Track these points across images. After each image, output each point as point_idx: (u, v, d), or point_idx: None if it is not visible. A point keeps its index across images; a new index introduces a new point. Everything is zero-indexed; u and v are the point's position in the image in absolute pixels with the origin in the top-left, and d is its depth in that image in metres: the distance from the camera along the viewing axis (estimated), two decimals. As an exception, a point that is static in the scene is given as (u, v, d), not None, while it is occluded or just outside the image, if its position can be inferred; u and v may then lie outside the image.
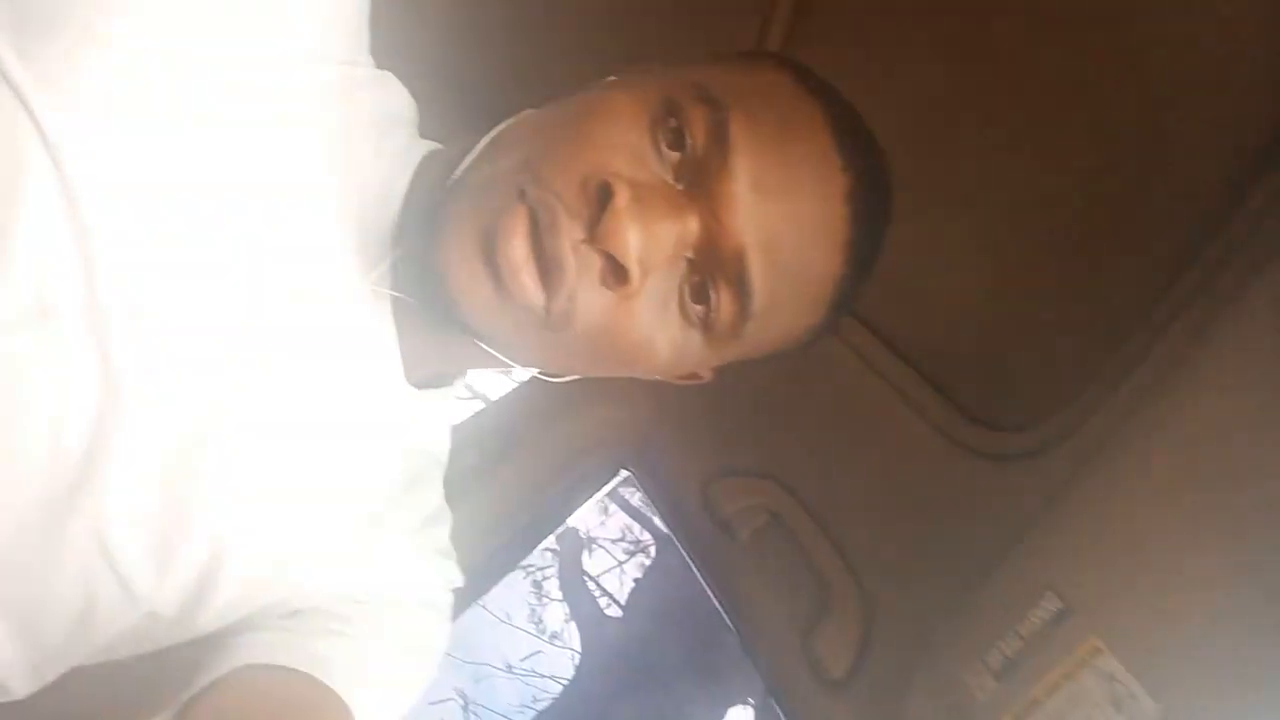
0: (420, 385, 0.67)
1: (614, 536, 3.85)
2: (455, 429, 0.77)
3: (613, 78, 0.65)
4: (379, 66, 0.68)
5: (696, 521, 1.21)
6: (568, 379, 0.67)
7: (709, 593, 1.22)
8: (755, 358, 0.65)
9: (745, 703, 3.07)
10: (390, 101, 0.68)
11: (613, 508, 3.64)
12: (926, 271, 1.02)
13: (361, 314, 0.62)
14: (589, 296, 0.55)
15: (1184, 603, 0.75)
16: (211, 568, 0.58)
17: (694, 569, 1.24)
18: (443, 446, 0.76)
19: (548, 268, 0.53)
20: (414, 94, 0.71)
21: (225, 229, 0.55)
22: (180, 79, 0.53)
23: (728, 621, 1.21)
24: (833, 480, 1.11)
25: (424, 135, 0.71)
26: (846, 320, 1.07)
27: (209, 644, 0.63)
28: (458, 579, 0.75)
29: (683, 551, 1.25)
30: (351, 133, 0.62)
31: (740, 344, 0.60)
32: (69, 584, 0.54)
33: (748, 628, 1.17)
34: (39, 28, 0.50)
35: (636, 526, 3.72)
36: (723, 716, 3.25)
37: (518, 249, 0.53)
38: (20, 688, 0.56)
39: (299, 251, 0.59)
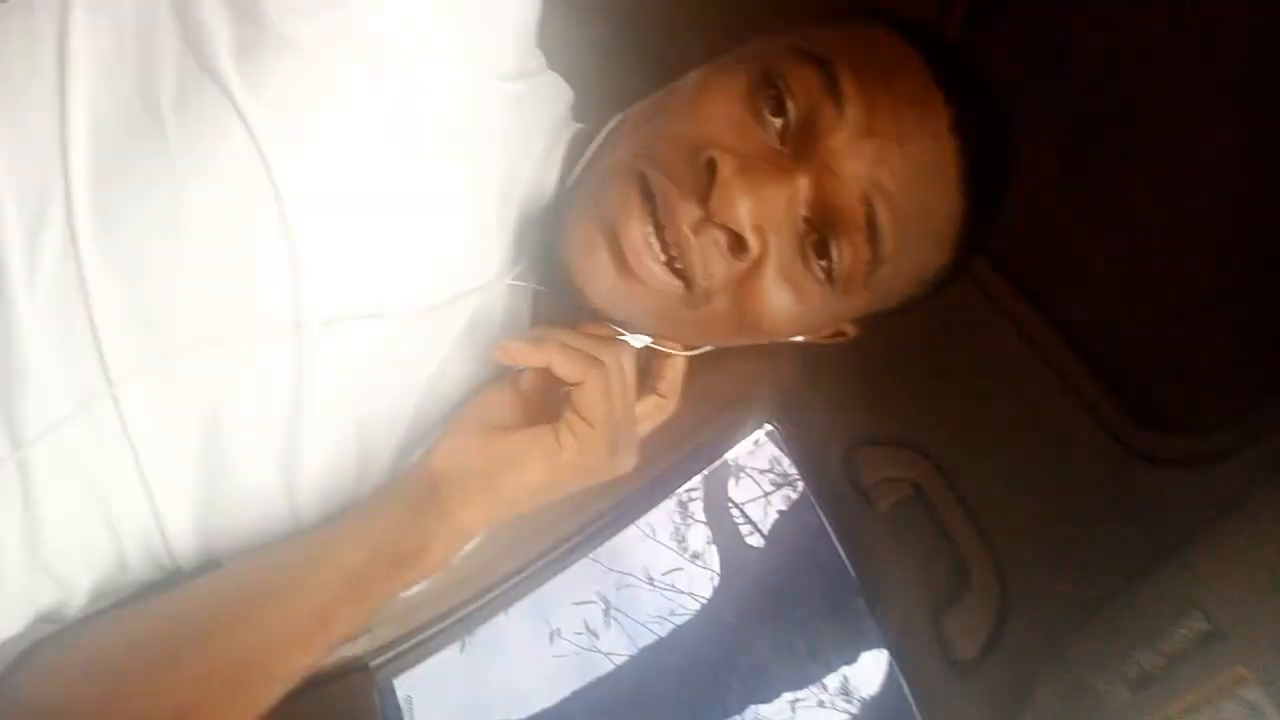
0: None
1: (762, 467, 3.86)
2: None
3: (722, 59, 0.66)
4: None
5: (836, 484, 1.20)
6: (699, 351, 0.69)
7: (842, 555, 1.22)
8: (891, 306, 0.66)
9: (880, 648, 3.06)
10: (556, 103, 0.72)
11: (763, 439, 3.65)
12: (1105, 255, 0.97)
13: (503, 303, 0.68)
14: (723, 270, 0.58)
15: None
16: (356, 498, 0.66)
17: (829, 530, 1.24)
18: None
19: (672, 253, 0.57)
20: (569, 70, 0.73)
21: (400, 230, 0.61)
22: (376, 99, 0.58)
23: (858, 584, 1.21)
24: (981, 461, 1.07)
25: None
26: (1012, 297, 1.02)
27: None
28: None
29: (819, 511, 1.25)
30: (522, 138, 0.67)
31: (872, 293, 0.62)
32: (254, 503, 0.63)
33: (878, 595, 1.17)
34: (254, 52, 0.56)
35: (785, 460, 3.71)
36: (857, 658, 3.26)
37: (637, 236, 0.57)
38: (186, 563, 0.64)
39: (458, 251, 0.65)
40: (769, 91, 0.58)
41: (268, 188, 0.55)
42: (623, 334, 0.65)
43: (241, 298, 0.57)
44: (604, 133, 0.66)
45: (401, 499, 0.60)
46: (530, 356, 0.59)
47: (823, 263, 0.59)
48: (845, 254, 0.58)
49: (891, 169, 0.57)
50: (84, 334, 0.55)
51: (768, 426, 1.37)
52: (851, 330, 0.70)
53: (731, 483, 3.86)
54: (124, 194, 0.55)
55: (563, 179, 0.68)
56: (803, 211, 0.58)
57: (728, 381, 1.26)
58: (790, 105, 0.58)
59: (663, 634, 3.87)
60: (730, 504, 3.83)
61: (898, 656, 1.14)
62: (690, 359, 0.70)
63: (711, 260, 0.57)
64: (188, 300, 0.56)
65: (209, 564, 0.64)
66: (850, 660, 3.33)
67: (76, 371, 0.55)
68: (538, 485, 0.60)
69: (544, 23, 0.67)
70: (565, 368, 0.58)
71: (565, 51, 0.73)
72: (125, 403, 0.56)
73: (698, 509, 4.01)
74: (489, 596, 1.20)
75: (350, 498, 0.65)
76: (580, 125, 0.71)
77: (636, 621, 4.14)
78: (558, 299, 0.66)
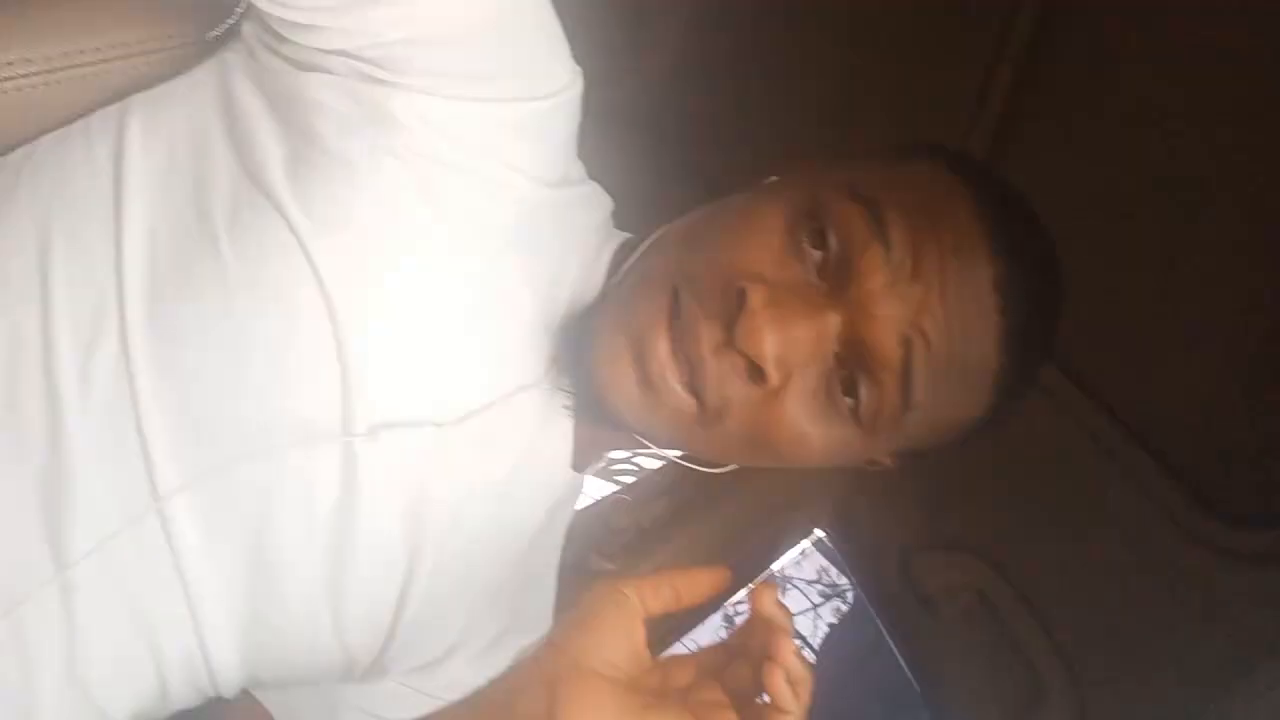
0: (577, 468, 0.72)
1: (810, 578, 3.75)
2: (650, 474, 0.80)
3: (773, 178, 0.67)
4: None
5: (895, 593, 1.15)
6: (724, 469, 0.68)
7: (903, 667, 1.16)
8: (924, 447, 0.65)
9: (942, 768, 2.91)
10: (599, 209, 0.73)
11: (809, 549, 3.55)
12: (1174, 346, 0.93)
13: (543, 402, 0.67)
14: (740, 393, 0.57)
15: None
16: (398, 617, 0.65)
17: (889, 641, 1.18)
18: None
19: (691, 369, 0.57)
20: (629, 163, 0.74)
21: (448, 338, 0.61)
22: (424, 210, 0.59)
23: (923, 700, 1.14)
24: (1051, 565, 1.02)
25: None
26: (1072, 394, 0.98)
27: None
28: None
29: (878, 622, 1.19)
30: (567, 244, 0.67)
31: (901, 435, 0.61)
32: (299, 620, 0.62)
33: (945, 711, 1.10)
34: (307, 170, 0.57)
35: (833, 570, 3.61)
36: (917, 780, 3.10)
37: (662, 350, 0.57)
38: (228, 689, 0.63)
39: (503, 357, 0.65)
40: (811, 224, 0.58)
41: (319, 300, 0.56)
42: (649, 447, 0.66)
43: (291, 408, 0.57)
44: (646, 243, 0.66)
45: None
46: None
47: (849, 400, 0.58)
48: (873, 394, 0.57)
49: (933, 316, 0.56)
50: (134, 452, 0.55)
51: (817, 534, 1.32)
52: (889, 461, 0.68)
53: (779, 595, 3.75)
54: (177, 309, 0.55)
55: (606, 285, 0.68)
56: (833, 347, 0.57)
57: (777, 487, 1.22)
58: (832, 239, 0.57)
59: (713, 757, 3.70)
60: (778, 618, 3.71)
61: (970, 776, 1.07)
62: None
63: (727, 382, 0.57)
64: (238, 412, 0.56)
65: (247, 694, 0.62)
66: (913, 782, 3.16)
67: (124, 489, 0.55)
68: None
69: (589, 133, 0.68)
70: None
71: (610, 161, 0.74)
72: (171, 517, 0.55)
73: (745, 623, 3.89)
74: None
75: (394, 611, 0.64)
76: (627, 235, 0.72)
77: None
78: (586, 402, 0.66)
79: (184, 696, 0.62)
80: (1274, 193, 0.83)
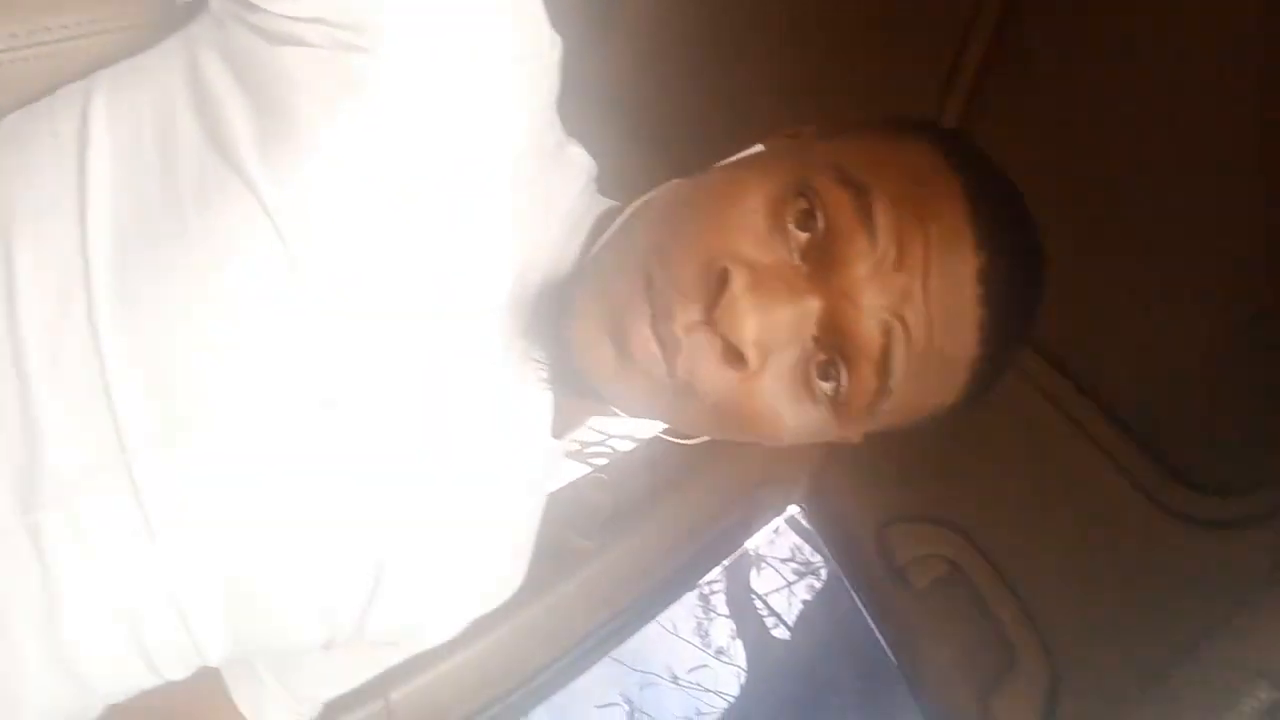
0: (557, 435, 0.73)
1: (783, 556, 3.79)
2: (630, 452, 0.80)
3: (759, 147, 0.66)
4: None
5: (869, 565, 1.17)
6: (696, 441, 0.68)
7: (880, 638, 1.17)
8: (887, 429, 0.64)
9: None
10: (577, 176, 0.72)
11: (783, 527, 3.58)
12: (1138, 318, 0.95)
13: (518, 378, 0.68)
14: (711, 372, 0.56)
15: None
16: (375, 587, 0.67)
17: (864, 613, 1.19)
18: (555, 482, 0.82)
19: (664, 347, 0.56)
20: (599, 141, 0.73)
21: (420, 312, 0.61)
22: (397, 185, 0.58)
23: (898, 669, 1.16)
24: (1021, 535, 1.04)
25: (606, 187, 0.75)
26: (1040, 367, 1.00)
27: None
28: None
29: (853, 594, 1.21)
30: (542, 217, 0.67)
31: (874, 420, 0.60)
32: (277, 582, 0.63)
33: (919, 680, 1.12)
34: (278, 144, 0.56)
35: (807, 548, 3.65)
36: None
37: (643, 332, 0.56)
38: (215, 657, 0.65)
39: (478, 329, 0.65)
40: (799, 204, 0.56)
41: (289, 276, 0.55)
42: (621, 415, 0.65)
43: (261, 380, 0.57)
44: (626, 214, 0.65)
45: None
46: None
47: (826, 384, 0.58)
48: (850, 380, 0.57)
49: (914, 306, 0.55)
50: (104, 421, 0.55)
51: (793, 509, 1.34)
52: (857, 439, 0.66)
53: (753, 573, 3.78)
54: (144, 287, 0.55)
55: (584, 253, 0.68)
56: (812, 331, 0.56)
57: (752, 462, 1.24)
58: (820, 220, 0.56)
59: (690, 736, 3.75)
60: (753, 595, 3.75)
61: (943, 743, 1.09)
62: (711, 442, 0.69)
63: (699, 361, 0.56)
64: (207, 385, 0.56)
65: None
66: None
67: (93, 453, 0.55)
68: None
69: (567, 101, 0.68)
70: None
71: (578, 133, 0.73)
72: (139, 475, 0.56)
73: (720, 602, 3.92)
74: (506, 703, 1.15)
75: (373, 576, 0.65)
76: (612, 203, 0.71)
77: (662, 722, 4.03)
78: (562, 375, 0.67)
79: (171, 665, 0.62)
80: (1236, 170, 0.85)
